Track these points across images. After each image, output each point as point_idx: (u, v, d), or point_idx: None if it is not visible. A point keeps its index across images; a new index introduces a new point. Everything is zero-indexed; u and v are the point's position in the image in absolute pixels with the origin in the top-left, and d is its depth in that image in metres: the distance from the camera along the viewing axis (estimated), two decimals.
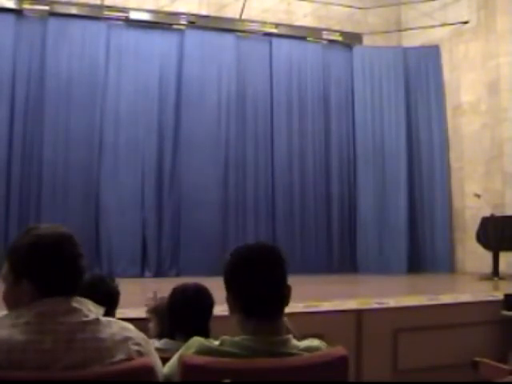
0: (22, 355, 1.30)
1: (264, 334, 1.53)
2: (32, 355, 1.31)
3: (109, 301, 2.37)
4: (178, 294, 2.31)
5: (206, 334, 2.12)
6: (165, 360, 1.61)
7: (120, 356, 1.40)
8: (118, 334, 1.44)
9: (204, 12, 8.81)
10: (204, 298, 2.30)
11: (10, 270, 1.48)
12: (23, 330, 1.34)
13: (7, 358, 1.29)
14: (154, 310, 2.60)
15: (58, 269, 1.45)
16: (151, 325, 2.57)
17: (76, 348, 1.36)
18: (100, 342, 1.39)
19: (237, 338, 1.54)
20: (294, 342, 1.58)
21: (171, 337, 2.21)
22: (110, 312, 2.13)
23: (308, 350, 1.58)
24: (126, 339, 1.45)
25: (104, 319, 1.47)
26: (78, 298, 1.47)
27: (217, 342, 1.54)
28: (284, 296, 1.60)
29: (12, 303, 1.48)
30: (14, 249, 1.49)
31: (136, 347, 1.46)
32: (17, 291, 1.46)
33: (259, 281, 1.56)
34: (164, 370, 1.57)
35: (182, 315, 2.23)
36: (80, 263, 1.50)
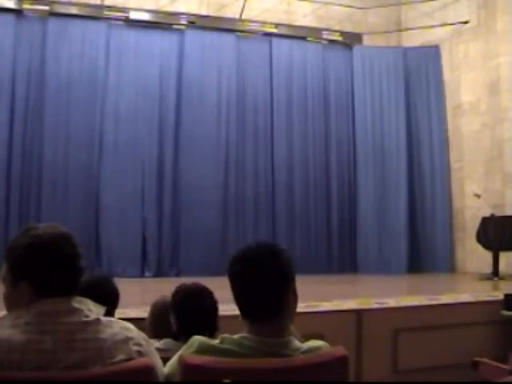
0: (22, 355, 1.30)
1: (264, 335, 1.52)
2: (32, 355, 1.31)
3: (110, 301, 2.37)
4: (181, 294, 2.31)
5: (211, 334, 2.12)
6: (165, 360, 1.61)
7: (120, 356, 1.40)
8: (118, 334, 1.44)
9: (204, 12, 8.82)
10: (206, 297, 2.30)
11: (9, 271, 1.47)
12: (23, 330, 1.34)
13: (7, 357, 1.29)
14: (155, 309, 2.58)
15: (56, 269, 1.44)
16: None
17: (76, 348, 1.35)
18: (101, 342, 1.39)
19: (236, 337, 1.53)
20: (297, 343, 1.57)
21: (175, 338, 2.20)
22: (110, 312, 2.13)
23: (310, 351, 1.57)
24: (127, 339, 1.45)
25: (105, 319, 1.46)
26: (79, 298, 1.46)
27: (217, 341, 1.54)
28: (282, 296, 1.55)
29: (11, 304, 1.47)
30: (12, 249, 1.48)
31: (137, 347, 1.46)
32: (15, 292, 1.45)
33: (252, 284, 1.54)
34: (165, 369, 1.57)
35: (187, 316, 2.23)
36: (78, 263, 1.49)
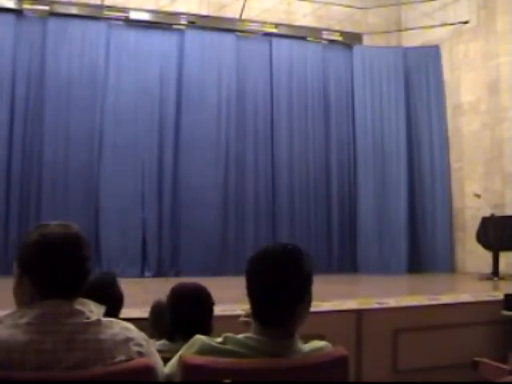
0: (22, 355, 1.30)
1: (269, 336, 1.51)
2: (32, 355, 1.31)
3: (115, 302, 2.37)
4: (178, 294, 2.30)
5: (207, 334, 2.11)
6: (165, 361, 1.61)
7: (121, 357, 1.40)
8: (119, 335, 1.44)
9: (204, 12, 8.82)
10: (203, 298, 2.28)
11: (17, 266, 1.49)
12: (24, 331, 1.34)
13: (7, 357, 1.29)
14: (151, 310, 2.58)
15: (60, 270, 1.43)
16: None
17: (77, 348, 1.35)
18: (101, 342, 1.39)
19: (240, 336, 1.52)
20: (299, 345, 1.56)
21: (170, 339, 2.19)
22: (114, 313, 2.12)
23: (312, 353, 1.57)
24: (127, 340, 1.44)
25: (105, 320, 1.46)
26: (81, 300, 1.46)
27: (219, 339, 1.53)
28: (296, 304, 1.54)
29: (18, 298, 1.49)
30: (22, 245, 1.50)
31: (137, 348, 1.45)
32: (22, 287, 1.46)
33: (260, 287, 1.52)
34: (165, 369, 1.57)
35: (182, 316, 2.21)
36: (84, 265, 1.49)
